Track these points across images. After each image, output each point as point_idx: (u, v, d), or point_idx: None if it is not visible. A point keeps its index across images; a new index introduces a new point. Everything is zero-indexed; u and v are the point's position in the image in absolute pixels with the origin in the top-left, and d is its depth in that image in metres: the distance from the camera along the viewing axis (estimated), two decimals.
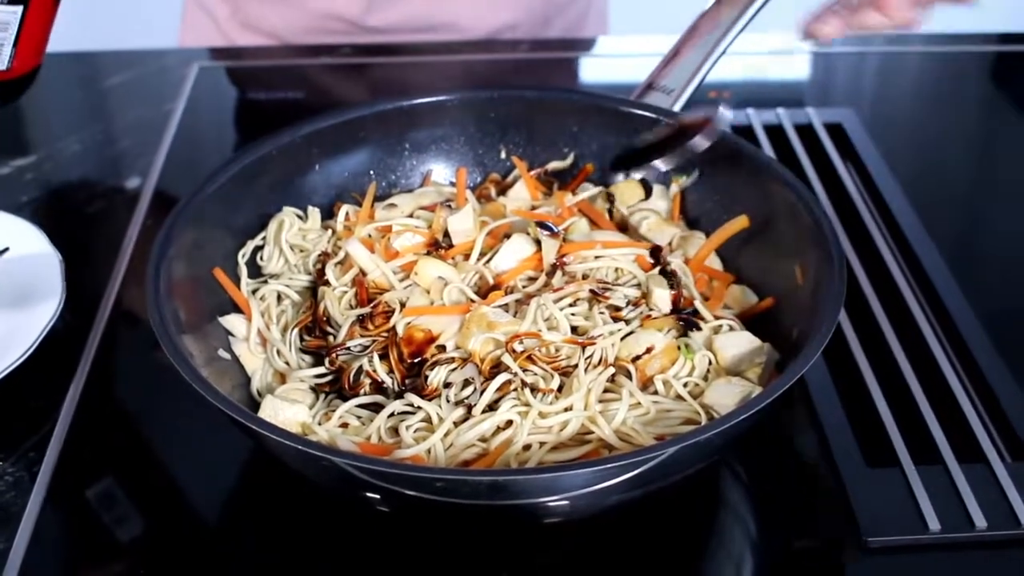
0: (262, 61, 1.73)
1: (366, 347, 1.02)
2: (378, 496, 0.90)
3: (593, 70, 1.77)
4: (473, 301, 1.04)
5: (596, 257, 1.07)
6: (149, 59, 1.72)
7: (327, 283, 1.08)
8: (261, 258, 1.15)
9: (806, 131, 1.52)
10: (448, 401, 0.96)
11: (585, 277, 1.06)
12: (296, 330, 1.06)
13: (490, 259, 1.08)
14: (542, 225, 1.08)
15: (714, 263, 1.14)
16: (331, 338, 1.05)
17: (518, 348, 0.98)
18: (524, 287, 1.06)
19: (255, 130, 1.23)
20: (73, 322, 1.20)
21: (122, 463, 1.07)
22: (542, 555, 0.98)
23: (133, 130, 1.55)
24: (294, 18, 1.75)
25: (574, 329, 1.01)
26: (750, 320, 1.08)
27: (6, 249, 1.22)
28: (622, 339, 1.00)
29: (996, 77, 1.72)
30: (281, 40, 1.78)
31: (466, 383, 0.97)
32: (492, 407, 0.95)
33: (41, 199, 1.42)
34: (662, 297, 1.04)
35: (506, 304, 1.03)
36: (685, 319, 1.03)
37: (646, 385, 0.99)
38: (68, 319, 1.20)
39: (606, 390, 0.97)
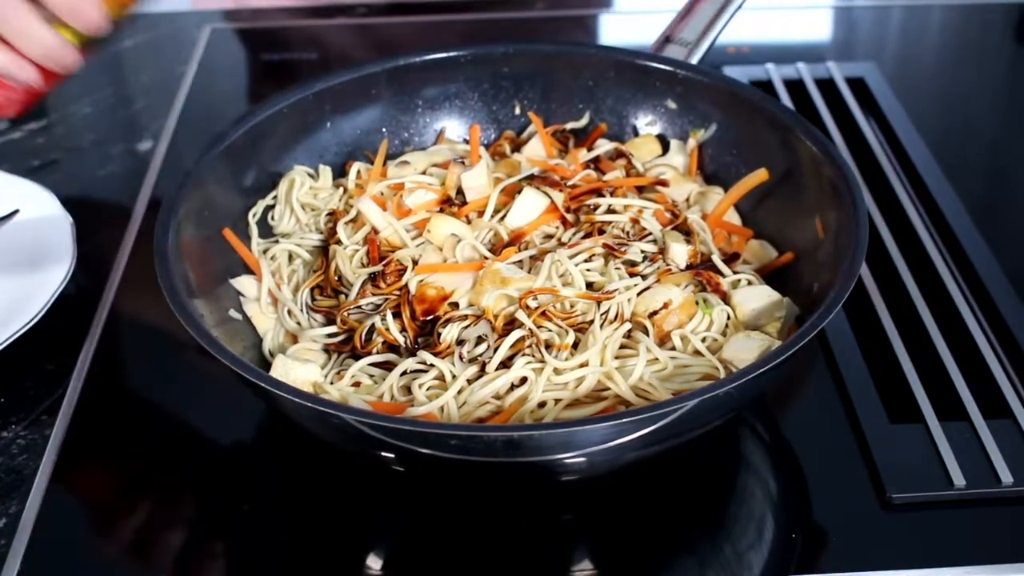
0: (275, 22, 1.72)
1: (378, 306, 1.01)
2: (392, 455, 0.89)
3: (610, 27, 1.75)
4: (486, 258, 1.02)
5: (610, 209, 1.06)
6: (161, 21, 1.70)
7: (338, 241, 1.07)
8: (272, 217, 1.13)
9: (827, 86, 1.49)
10: (461, 359, 0.94)
11: (601, 232, 1.04)
12: (307, 290, 1.05)
13: (504, 216, 1.06)
14: (540, 178, 1.08)
15: (732, 218, 1.12)
16: (343, 298, 1.03)
17: (532, 304, 0.96)
18: (540, 243, 1.05)
19: (268, 92, 1.22)
20: (85, 285, 1.20)
21: (135, 426, 1.06)
22: (560, 512, 0.96)
23: (145, 93, 1.54)
24: None
25: (590, 285, 1.00)
26: (769, 275, 1.06)
27: (16, 211, 1.22)
28: (639, 294, 0.99)
29: (1020, 31, 1.69)
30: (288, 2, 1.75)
31: (479, 340, 0.95)
32: (506, 364, 0.93)
33: (53, 162, 1.41)
34: (679, 252, 1.03)
35: (520, 260, 1.02)
36: (702, 276, 1.02)
37: (663, 340, 0.97)
38: (80, 282, 1.19)
39: (623, 346, 0.96)
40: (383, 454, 0.89)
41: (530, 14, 1.73)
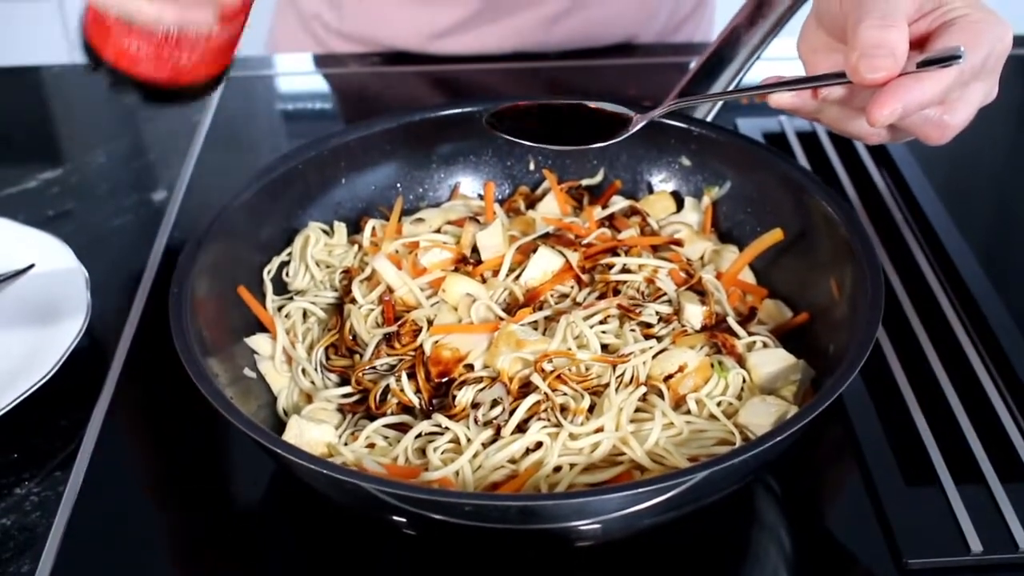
0: (291, 71, 1.72)
1: (393, 366, 1.01)
2: (404, 519, 0.89)
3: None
4: (502, 319, 1.02)
5: (624, 269, 1.06)
6: None
7: (353, 300, 1.07)
8: (287, 274, 1.14)
9: (841, 138, 1.49)
10: (476, 422, 0.94)
11: (616, 292, 1.04)
12: (322, 349, 1.05)
13: (519, 275, 1.06)
14: (555, 237, 1.09)
15: (747, 277, 1.12)
16: (357, 358, 1.03)
17: (547, 367, 0.96)
18: (555, 303, 1.05)
19: (284, 142, 1.21)
20: (99, 339, 1.19)
21: (148, 483, 1.06)
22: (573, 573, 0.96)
23: (160, 142, 1.55)
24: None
25: (604, 347, 1.00)
26: (785, 335, 1.06)
27: (32, 266, 1.22)
28: (654, 357, 0.98)
29: None
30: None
31: (494, 403, 0.95)
32: (521, 428, 0.93)
33: (67, 213, 1.41)
34: (694, 313, 1.03)
35: (535, 322, 1.02)
36: (717, 338, 1.01)
37: (679, 404, 0.97)
38: (94, 336, 1.19)
39: (638, 409, 0.95)
40: (396, 518, 0.89)
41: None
